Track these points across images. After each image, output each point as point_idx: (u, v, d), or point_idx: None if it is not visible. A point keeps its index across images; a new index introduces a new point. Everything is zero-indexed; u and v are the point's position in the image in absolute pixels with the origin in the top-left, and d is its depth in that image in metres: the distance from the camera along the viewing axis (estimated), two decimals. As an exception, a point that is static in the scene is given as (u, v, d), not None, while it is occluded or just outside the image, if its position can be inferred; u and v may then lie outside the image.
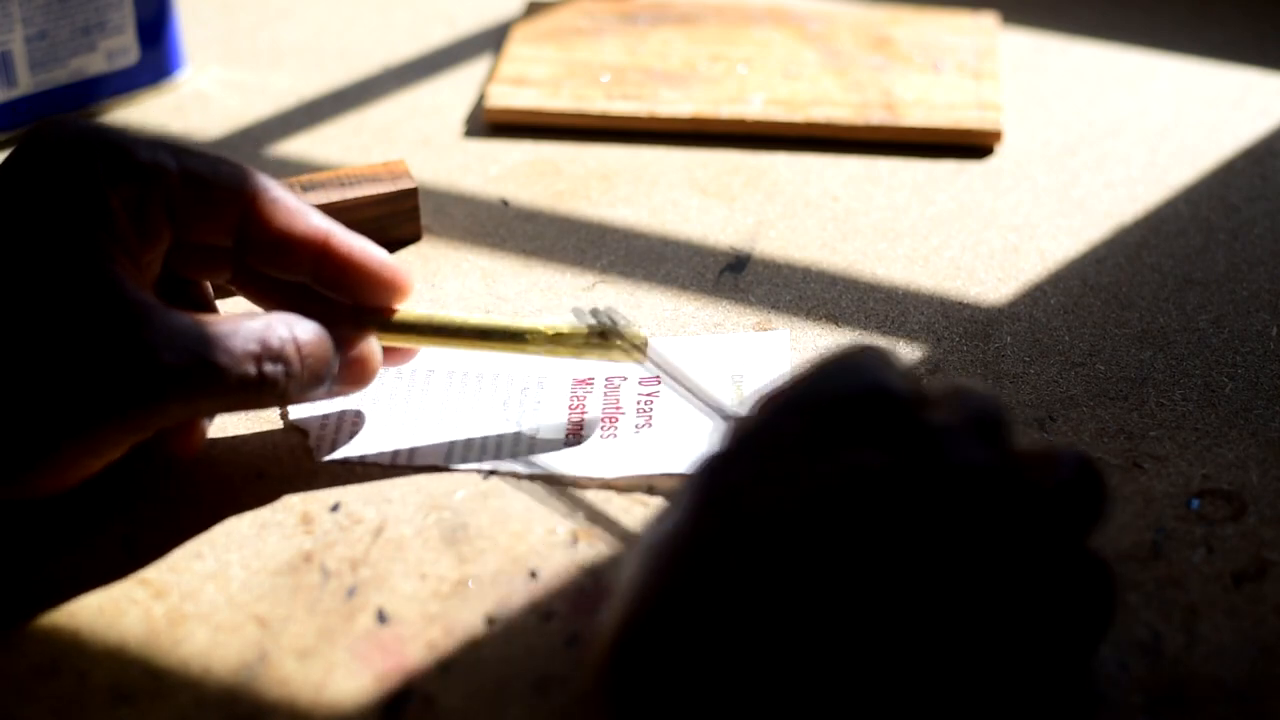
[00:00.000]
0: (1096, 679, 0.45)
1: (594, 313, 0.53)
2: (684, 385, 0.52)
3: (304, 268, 0.51)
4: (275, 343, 0.49)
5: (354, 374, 0.52)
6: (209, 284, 0.54)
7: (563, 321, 0.54)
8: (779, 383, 0.44)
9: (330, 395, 0.52)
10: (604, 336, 0.53)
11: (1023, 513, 0.40)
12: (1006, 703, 0.39)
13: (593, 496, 0.52)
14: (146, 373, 0.46)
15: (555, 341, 0.53)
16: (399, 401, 0.56)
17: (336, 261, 0.51)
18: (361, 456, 0.54)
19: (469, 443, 0.54)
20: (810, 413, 0.42)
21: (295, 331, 0.49)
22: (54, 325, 0.46)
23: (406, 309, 0.54)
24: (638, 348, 0.53)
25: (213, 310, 0.54)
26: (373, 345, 0.53)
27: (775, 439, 0.41)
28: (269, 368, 0.48)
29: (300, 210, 0.51)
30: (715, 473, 0.41)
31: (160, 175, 0.48)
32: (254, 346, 0.48)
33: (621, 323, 0.53)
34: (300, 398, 0.50)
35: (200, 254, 0.51)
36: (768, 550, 0.39)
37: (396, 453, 0.54)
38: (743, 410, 0.44)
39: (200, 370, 0.47)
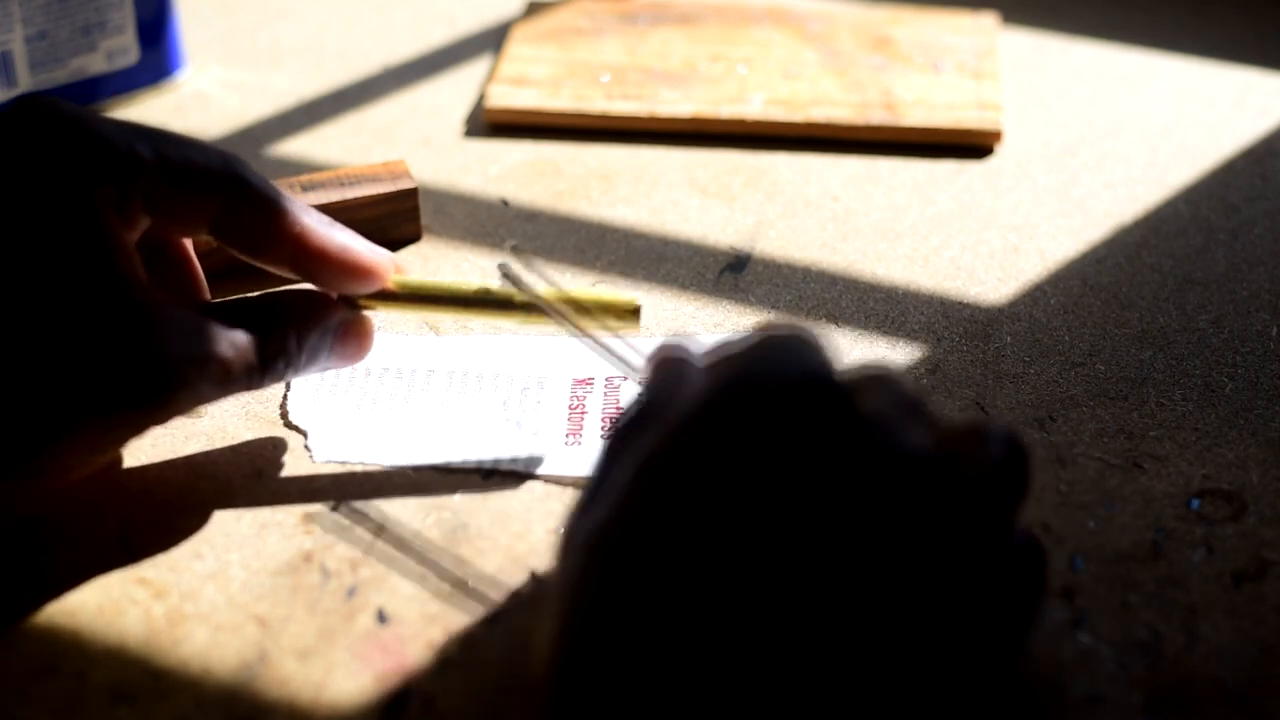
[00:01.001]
0: (1034, 675, 0.45)
1: (502, 267, 0.52)
2: (602, 345, 0.51)
3: (280, 263, 0.51)
4: (277, 334, 0.50)
5: (349, 348, 0.53)
6: (189, 242, 0.54)
7: (549, 289, 0.53)
8: (697, 356, 0.44)
9: (325, 369, 0.53)
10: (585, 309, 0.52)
11: (959, 498, 0.40)
12: (946, 690, 0.39)
13: (593, 496, 0.52)
14: (156, 370, 0.47)
15: (537, 310, 0.52)
16: (399, 402, 0.56)
17: (312, 260, 0.51)
18: (362, 457, 0.54)
19: (469, 443, 0.54)
20: (748, 402, 0.41)
21: (293, 318, 0.51)
22: (66, 326, 0.46)
23: (396, 278, 0.53)
24: (621, 316, 0.52)
25: (191, 265, 0.54)
26: (366, 319, 0.53)
27: (715, 430, 0.40)
28: (271, 358, 0.50)
29: (276, 208, 0.51)
30: (650, 463, 0.40)
31: (137, 168, 0.48)
32: (257, 339, 0.49)
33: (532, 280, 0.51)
34: (297, 376, 0.52)
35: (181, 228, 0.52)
36: (715, 553, 0.38)
37: (397, 453, 0.54)
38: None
39: (207, 366, 0.48)
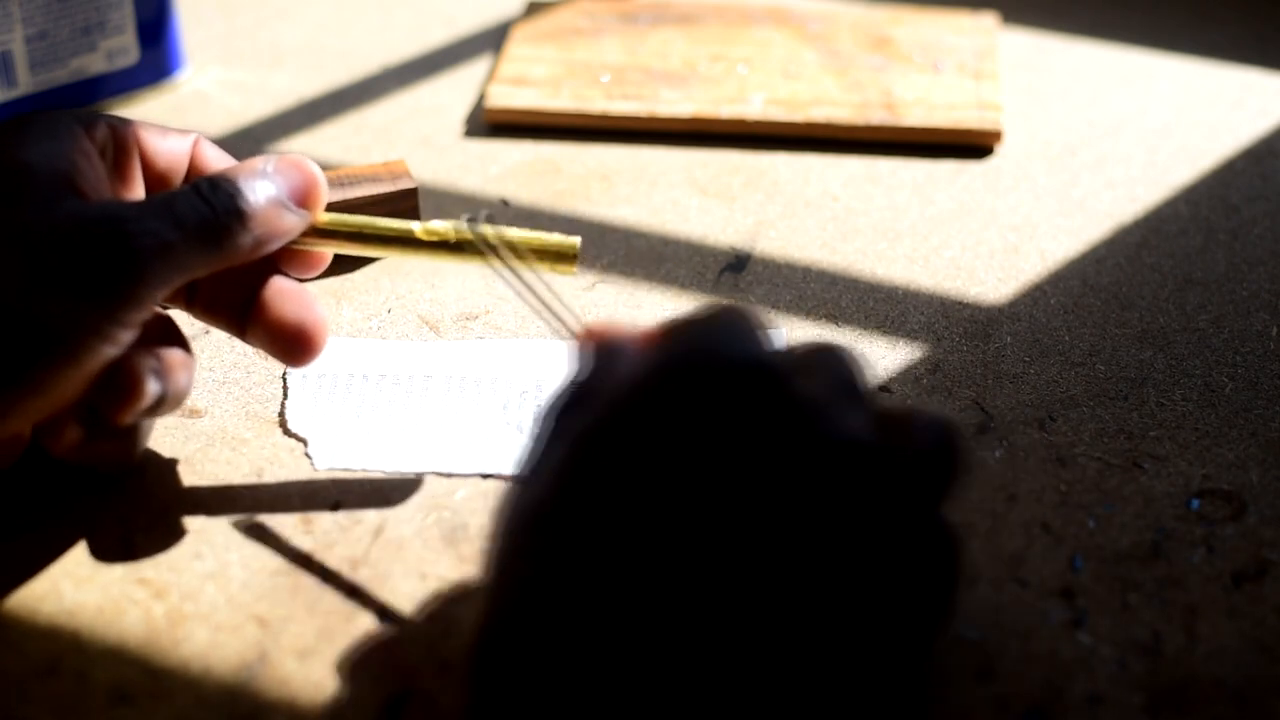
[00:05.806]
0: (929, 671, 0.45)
1: (470, 221, 0.51)
2: (536, 298, 0.50)
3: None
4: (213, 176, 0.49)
5: (290, 171, 0.51)
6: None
7: (449, 225, 0.52)
8: (639, 342, 0.44)
9: (273, 200, 0.50)
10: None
11: (883, 486, 0.40)
12: (857, 676, 0.39)
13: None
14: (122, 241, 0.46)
15: (439, 247, 0.52)
16: (398, 408, 0.56)
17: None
18: (364, 465, 0.53)
19: (470, 448, 0.54)
20: (686, 384, 0.40)
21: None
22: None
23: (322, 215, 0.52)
24: (559, 259, 0.51)
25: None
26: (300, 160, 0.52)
27: (650, 412, 0.40)
28: (211, 193, 0.48)
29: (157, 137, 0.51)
30: (585, 442, 0.40)
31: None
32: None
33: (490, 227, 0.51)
34: (265, 216, 0.50)
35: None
36: (643, 535, 0.38)
37: (398, 460, 0.54)
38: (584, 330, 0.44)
39: (167, 218, 0.47)
